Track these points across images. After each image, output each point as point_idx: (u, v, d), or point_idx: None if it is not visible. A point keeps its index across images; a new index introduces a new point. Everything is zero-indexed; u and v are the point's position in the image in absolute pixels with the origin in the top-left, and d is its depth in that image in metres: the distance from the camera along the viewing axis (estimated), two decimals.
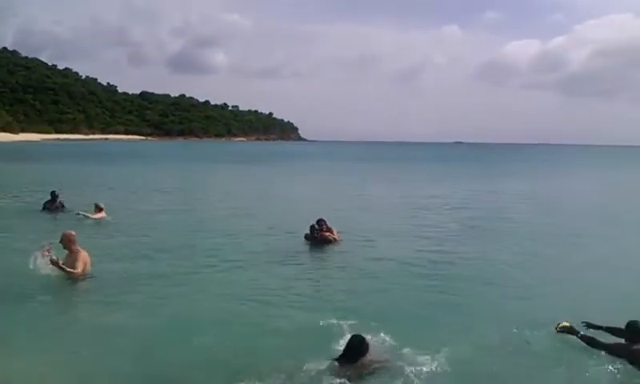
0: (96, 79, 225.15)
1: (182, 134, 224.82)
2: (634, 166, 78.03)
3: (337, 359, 7.13)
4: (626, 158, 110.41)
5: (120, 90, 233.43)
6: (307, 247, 14.59)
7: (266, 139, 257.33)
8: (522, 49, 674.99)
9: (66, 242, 10.55)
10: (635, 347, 7.15)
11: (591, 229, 18.73)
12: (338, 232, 15.13)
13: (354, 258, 13.42)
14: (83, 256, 10.60)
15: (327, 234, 14.82)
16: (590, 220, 21.02)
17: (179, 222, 19.19)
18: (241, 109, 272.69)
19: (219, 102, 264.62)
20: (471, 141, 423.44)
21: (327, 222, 15.08)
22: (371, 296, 10.15)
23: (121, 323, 8.47)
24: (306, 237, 14.98)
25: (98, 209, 18.02)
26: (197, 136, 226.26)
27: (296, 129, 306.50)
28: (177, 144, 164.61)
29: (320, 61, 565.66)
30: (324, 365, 6.87)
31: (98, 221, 17.54)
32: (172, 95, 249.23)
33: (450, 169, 60.39)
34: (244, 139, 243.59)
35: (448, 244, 15.48)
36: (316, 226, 14.82)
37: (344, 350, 7.19)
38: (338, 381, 6.68)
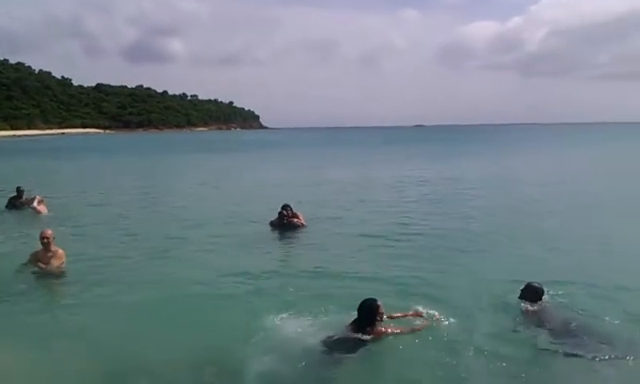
0: (50, 73, 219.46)
1: (141, 125, 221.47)
2: (589, 142, 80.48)
3: (350, 324, 7.34)
4: (582, 135, 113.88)
5: (75, 82, 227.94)
6: (275, 233, 14.68)
7: (227, 128, 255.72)
8: (480, 30, 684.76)
9: (47, 241, 10.62)
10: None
11: (534, 202, 19.89)
12: (302, 216, 15.27)
13: (322, 241, 13.63)
14: (60, 253, 10.75)
15: (294, 219, 14.97)
16: (533, 193, 22.19)
17: (143, 214, 19.08)
18: (200, 98, 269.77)
19: (178, 92, 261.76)
20: (433, 123, 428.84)
21: (292, 208, 15.23)
22: (342, 277, 10.34)
23: (83, 320, 8.46)
24: (272, 223, 15.08)
25: (38, 202, 18.06)
26: (156, 127, 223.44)
27: (257, 117, 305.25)
28: (136, 136, 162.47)
29: (280, 47, 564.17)
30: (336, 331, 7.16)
31: (40, 214, 17.49)
32: (129, 86, 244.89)
33: (410, 151, 61.43)
34: (205, 129, 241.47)
35: (409, 220, 16.30)
36: (284, 212, 14.93)
37: (358, 314, 7.34)
38: (353, 347, 6.95)
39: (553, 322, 7.59)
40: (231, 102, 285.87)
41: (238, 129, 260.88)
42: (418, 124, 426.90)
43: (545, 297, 8.16)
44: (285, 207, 15.09)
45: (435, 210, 18.36)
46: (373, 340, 7.12)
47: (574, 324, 7.50)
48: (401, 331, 7.38)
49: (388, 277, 10.18)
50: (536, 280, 8.37)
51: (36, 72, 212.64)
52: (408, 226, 15.34)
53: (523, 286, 8.28)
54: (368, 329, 7.19)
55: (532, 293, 8.15)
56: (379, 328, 7.28)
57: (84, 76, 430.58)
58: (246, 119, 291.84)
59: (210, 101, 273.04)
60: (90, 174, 36.19)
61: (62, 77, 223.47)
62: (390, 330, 7.35)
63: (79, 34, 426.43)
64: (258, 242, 13.66)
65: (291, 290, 9.50)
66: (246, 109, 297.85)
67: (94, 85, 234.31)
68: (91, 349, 7.39)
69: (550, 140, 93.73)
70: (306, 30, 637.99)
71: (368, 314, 7.27)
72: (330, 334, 7.15)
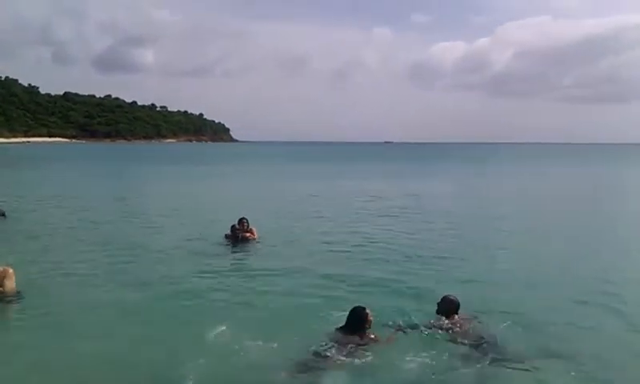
0: (17, 80, 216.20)
1: (108, 136, 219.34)
2: (551, 164, 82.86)
3: (339, 329, 7.59)
4: (546, 156, 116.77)
5: (42, 90, 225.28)
6: (228, 247, 14.69)
7: (196, 140, 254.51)
8: (449, 50, 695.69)
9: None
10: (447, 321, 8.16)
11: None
12: (255, 230, 15.36)
13: (273, 256, 13.72)
14: (10, 273, 10.01)
15: (247, 234, 15.09)
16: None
17: (101, 225, 18.75)
18: (170, 109, 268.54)
19: (147, 103, 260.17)
20: (401, 140, 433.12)
21: (249, 222, 15.36)
22: (289, 293, 10.44)
23: (35, 341, 8.24)
24: (227, 236, 15.19)
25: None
26: (124, 138, 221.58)
27: (228, 130, 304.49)
28: (102, 146, 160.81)
29: (252, 60, 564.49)
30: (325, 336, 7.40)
31: None
32: (97, 96, 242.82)
33: (378, 168, 62.01)
34: (174, 141, 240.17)
35: (361, 235, 16.81)
36: (237, 226, 15.07)
37: (347, 321, 7.60)
38: (342, 351, 7.12)
39: (467, 336, 7.83)
40: (201, 114, 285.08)
41: (208, 141, 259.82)
42: (386, 140, 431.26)
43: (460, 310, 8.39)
44: (240, 221, 15.26)
45: (385, 226, 18.76)
46: (362, 346, 7.31)
47: (485, 339, 7.74)
48: (388, 339, 7.69)
49: (332, 293, 10.35)
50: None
51: (2, 79, 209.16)
52: (357, 240, 15.79)
53: (440, 299, 8.45)
54: (357, 336, 7.42)
55: (448, 306, 8.30)
56: (368, 335, 7.51)
57: (52, 84, 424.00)
58: (217, 132, 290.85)
59: (179, 112, 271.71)
60: (51, 183, 35.63)
61: (29, 84, 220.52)
62: (377, 338, 7.57)
63: (48, 42, 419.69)
64: (210, 255, 13.74)
65: (239, 304, 9.67)
66: (217, 121, 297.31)
67: (61, 93, 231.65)
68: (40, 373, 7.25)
69: (513, 160, 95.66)
70: (279, 44, 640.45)
71: (358, 321, 7.55)
72: (320, 343, 7.33)
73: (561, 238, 17.36)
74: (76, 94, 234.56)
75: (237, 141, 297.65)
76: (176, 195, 29.09)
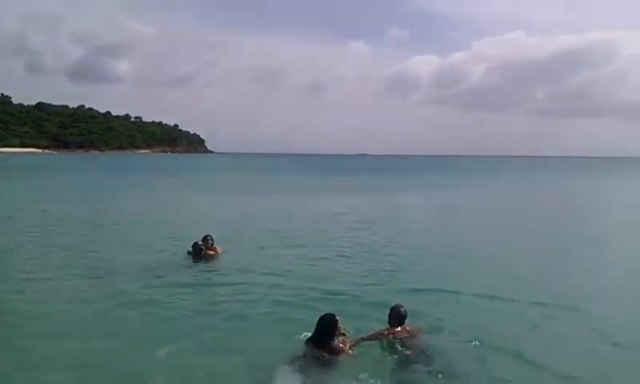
0: None
1: (81, 146, 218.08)
2: (526, 174, 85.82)
3: (308, 339, 7.67)
4: (520, 168, 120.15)
5: (15, 100, 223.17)
6: (191, 264, 14.37)
7: (171, 151, 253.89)
8: (424, 64, 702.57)
9: None
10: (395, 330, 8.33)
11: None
12: (221, 248, 15.20)
13: (236, 273, 13.44)
14: None
15: (211, 251, 14.85)
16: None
17: (61, 238, 18.40)
18: (145, 120, 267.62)
19: (122, 113, 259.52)
20: (376, 153, 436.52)
21: (213, 240, 15.14)
22: (253, 309, 10.40)
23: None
24: (190, 253, 14.91)
25: None
26: (98, 149, 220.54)
27: (203, 141, 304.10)
28: (73, 157, 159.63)
29: (228, 72, 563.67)
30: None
31: None
32: (71, 106, 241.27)
33: (351, 181, 61.93)
34: (148, 151, 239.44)
35: (329, 248, 17.00)
36: (200, 243, 14.81)
37: (317, 329, 7.64)
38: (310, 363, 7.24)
39: (412, 347, 8.01)
40: (176, 125, 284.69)
41: (182, 152, 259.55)
42: (361, 153, 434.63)
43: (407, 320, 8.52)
44: (205, 238, 15.05)
45: (353, 239, 19.00)
46: (332, 354, 7.48)
47: (430, 350, 8.01)
48: (356, 343, 7.90)
49: (296, 308, 10.40)
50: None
51: None
52: (323, 254, 16.02)
53: (389, 310, 8.57)
54: (327, 344, 7.51)
55: (396, 316, 8.43)
56: (337, 343, 7.57)
57: (25, 94, 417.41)
58: (192, 142, 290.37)
59: (154, 123, 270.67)
60: (19, 195, 35.26)
61: (2, 94, 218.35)
62: (347, 345, 7.68)
63: (22, 51, 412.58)
64: (172, 272, 13.41)
65: (200, 321, 9.66)
66: (192, 132, 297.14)
67: (34, 103, 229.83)
68: None
69: (486, 171, 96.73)
70: (255, 56, 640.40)
71: (327, 328, 7.56)
72: (293, 354, 7.53)
73: (519, 249, 18.15)
74: (49, 105, 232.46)
75: (212, 152, 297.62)
76: (142, 208, 29.01)
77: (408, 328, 8.40)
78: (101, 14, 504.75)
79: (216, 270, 13.77)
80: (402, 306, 8.60)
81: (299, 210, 29.16)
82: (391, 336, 8.20)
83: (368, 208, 30.79)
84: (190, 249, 14.92)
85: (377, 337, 8.25)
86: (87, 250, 16.20)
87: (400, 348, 7.98)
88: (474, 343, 8.47)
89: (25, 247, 16.72)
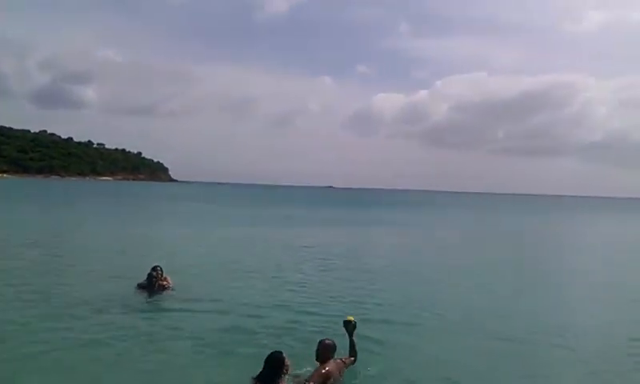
0: None
1: (41, 171, 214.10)
2: (490, 210, 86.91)
3: (255, 378, 7.56)
4: (483, 205, 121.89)
5: None
6: (142, 296, 13.92)
7: (133, 179, 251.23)
8: (389, 101, 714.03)
9: None
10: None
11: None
12: (169, 279, 14.67)
13: (186, 307, 13.07)
14: None
15: (163, 282, 14.39)
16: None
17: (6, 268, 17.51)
18: (107, 147, 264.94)
19: (85, 139, 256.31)
20: (342, 186, 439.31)
21: (162, 270, 14.60)
22: (203, 344, 10.17)
23: None
24: (140, 285, 14.39)
25: None
26: (58, 174, 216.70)
27: (166, 169, 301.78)
28: (34, 182, 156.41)
29: (195, 101, 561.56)
30: None
31: None
32: (32, 131, 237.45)
33: (315, 214, 61.81)
34: (110, 178, 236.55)
35: (284, 282, 16.90)
36: (153, 274, 14.27)
37: (265, 367, 7.54)
38: None
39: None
40: (139, 153, 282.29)
41: (145, 180, 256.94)
42: (328, 185, 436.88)
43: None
44: (154, 268, 14.50)
45: (309, 274, 18.85)
46: None
47: None
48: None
49: (247, 343, 10.28)
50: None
51: None
52: (277, 288, 15.89)
53: (317, 345, 8.45)
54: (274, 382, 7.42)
55: (324, 350, 8.34)
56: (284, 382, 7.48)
57: None
58: (155, 171, 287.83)
59: (117, 150, 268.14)
60: None
61: None
62: None
63: None
64: (122, 305, 12.97)
65: (149, 360, 9.32)
66: (155, 160, 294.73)
67: None
68: None
69: (445, 207, 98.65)
70: (223, 87, 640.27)
71: (275, 367, 7.48)
72: None
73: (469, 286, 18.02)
74: (10, 128, 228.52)
75: (176, 181, 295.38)
76: (95, 238, 27.98)
77: (338, 360, 8.36)
78: (70, 40, 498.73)
79: (167, 303, 13.43)
80: (329, 339, 8.56)
81: (257, 241, 28.98)
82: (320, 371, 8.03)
83: (329, 240, 30.84)
84: (141, 281, 14.41)
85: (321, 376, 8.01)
86: (30, 285, 15.07)
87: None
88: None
89: None
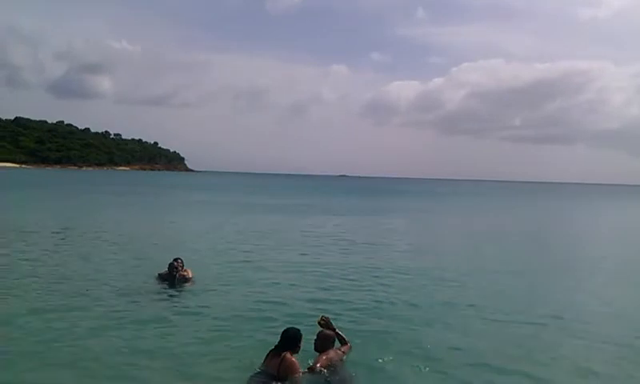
0: None
1: (59, 162, 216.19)
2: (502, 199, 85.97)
3: (272, 350, 7.87)
4: (496, 193, 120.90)
5: None
6: (162, 286, 13.91)
7: (150, 169, 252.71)
8: (404, 89, 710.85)
9: None
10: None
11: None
12: (191, 271, 14.71)
13: (207, 299, 13.02)
14: None
15: (184, 273, 14.42)
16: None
17: (27, 260, 17.27)
18: (124, 137, 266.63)
19: (101, 130, 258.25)
20: (355, 174, 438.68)
21: (183, 261, 14.68)
22: (221, 337, 10.06)
23: None
24: (161, 276, 14.47)
25: None
26: (75, 165, 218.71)
27: (183, 159, 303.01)
28: (52, 172, 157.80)
29: (209, 91, 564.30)
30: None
31: None
32: (50, 121, 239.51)
33: (330, 202, 61.43)
34: (127, 168, 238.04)
35: (301, 273, 16.65)
36: (174, 264, 14.33)
37: (281, 340, 7.89)
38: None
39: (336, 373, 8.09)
40: (156, 143, 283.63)
41: (162, 170, 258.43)
42: (341, 174, 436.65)
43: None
44: (176, 259, 14.57)
45: (324, 262, 18.71)
46: (284, 366, 7.63)
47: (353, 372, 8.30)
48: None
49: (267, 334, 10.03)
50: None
51: None
52: (296, 279, 15.63)
53: (316, 336, 8.54)
54: (284, 355, 7.68)
55: (323, 341, 8.46)
56: (293, 358, 7.73)
57: (3, 108, 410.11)
58: (171, 161, 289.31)
59: (134, 140, 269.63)
60: None
61: None
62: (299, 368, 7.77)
63: (2, 65, 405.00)
64: (142, 294, 13.06)
65: (174, 348, 9.36)
66: (172, 150, 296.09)
67: (12, 118, 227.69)
68: None
69: (460, 195, 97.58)
70: (237, 76, 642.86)
71: (288, 340, 7.82)
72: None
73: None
74: (28, 119, 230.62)
75: (192, 170, 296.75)
76: (115, 228, 27.91)
77: (338, 350, 8.56)
78: (84, 31, 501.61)
79: (187, 294, 13.44)
80: (328, 330, 8.71)
81: (279, 231, 28.93)
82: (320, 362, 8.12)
83: (346, 229, 30.78)
84: (162, 271, 14.51)
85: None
86: (52, 274, 15.19)
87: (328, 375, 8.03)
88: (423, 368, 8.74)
89: None
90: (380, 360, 8.94)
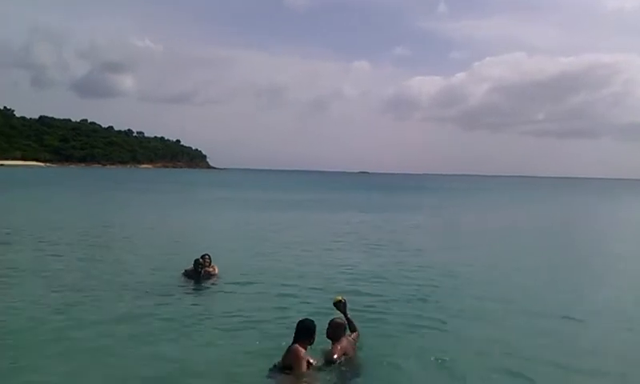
0: None
1: (83, 160, 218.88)
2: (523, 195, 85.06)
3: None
4: (519, 188, 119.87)
5: (18, 114, 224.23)
6: (188, 283, 14.03)
7: (173, 167, 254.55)
8: (426, 84, 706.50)
9: None
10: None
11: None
12: (216, 267, 14.78)
13: (234, 295, 12.98)
14: None
15: (210, 269, 14.48)
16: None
17: (55, 258, 17.51)
18: (147, 135, 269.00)
19: (124, 128, 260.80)
20: (376, 171, 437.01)
21: (211, 258, 14.75)
22: (248, 336, 9.89)
23: None
24: (187, 273, 14.50)
25: None
26: (99, 163, 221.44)
27: (205, 157, 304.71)
28: (77, 170, 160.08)
29: (231, 88, 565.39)
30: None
31: None
32: (73, 120, 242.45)
33: (352, 199, 61.46)
34: (150, 166, 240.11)
35: (325, 271, 16.46)
36: (200, 261, 14.36)
37: (295, 331, 7.95)
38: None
39: (348, 359, 8.24)
40: (178, 141, 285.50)
41: (184, 167, 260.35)
42: (362, 170, 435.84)
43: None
44: (203, 257, 14.61)
45: (352, 261, 18.40)
46: (290, 356, 7.74)
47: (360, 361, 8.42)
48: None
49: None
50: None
51: None
52: (320, 277, 15.38)
53: (328, 324, 8.49)
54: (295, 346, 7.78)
55: (335, 329, 8.43)
56: (302, 350, 7.74)
57: (28, 107, 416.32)
58: (193, 158, 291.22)
59: (156, 138, 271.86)
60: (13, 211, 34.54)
61: (5, 107, 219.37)
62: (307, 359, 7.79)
63: (26, 65, 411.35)
64: (167, 291, 13.18)
65: (197, 344, 9.39)
66: (194, 148, 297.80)
67: (37, 117, 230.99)
68: None
69: (482, 192, 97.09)
70: (258, 74, 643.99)
71: (302, 331, 7.87)
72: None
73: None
74: (52, 118, 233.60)
75: (214, 168, 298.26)
76: (140, 225, 28.26)
77: (349, 338, 8.60)
78: (107, 30, 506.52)
79: (213, 291, 13.54)
80: (338, 318, 8.71)
81: (305, 226, 29.22)
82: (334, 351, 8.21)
83: (371, 226, 30.65)
84: (188, 268, 14.57)
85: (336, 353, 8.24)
86: (80, 271, 15.48)
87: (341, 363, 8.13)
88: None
89: (20, 261, 16.45)
90: (404, 355, 8.95)
